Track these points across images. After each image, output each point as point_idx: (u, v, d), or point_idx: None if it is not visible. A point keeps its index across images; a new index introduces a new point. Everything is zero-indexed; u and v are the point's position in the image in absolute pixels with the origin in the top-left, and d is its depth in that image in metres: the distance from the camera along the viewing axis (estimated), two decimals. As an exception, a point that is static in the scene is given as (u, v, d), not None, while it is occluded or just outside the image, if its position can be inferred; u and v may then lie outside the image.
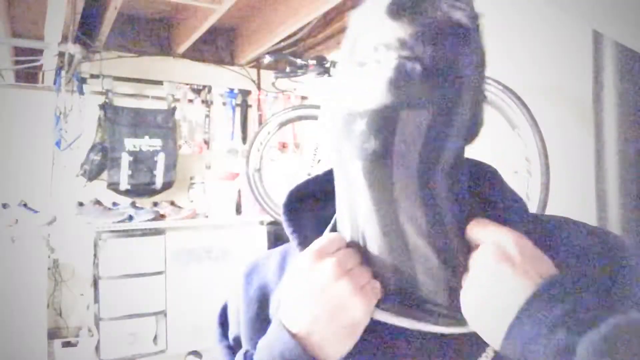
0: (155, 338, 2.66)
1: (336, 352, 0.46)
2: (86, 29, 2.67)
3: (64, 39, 2.38)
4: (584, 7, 0.97)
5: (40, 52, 2.57)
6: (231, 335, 0.59)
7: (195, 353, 2.87)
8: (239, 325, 0.58)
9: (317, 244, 0.48)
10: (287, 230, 0.54)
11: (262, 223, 3.04)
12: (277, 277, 0.57)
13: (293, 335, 0.46)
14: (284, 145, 3.27)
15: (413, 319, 0.47)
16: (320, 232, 0.52)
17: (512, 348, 0.40)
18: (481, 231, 0.46)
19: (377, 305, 0.47)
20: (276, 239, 3.10)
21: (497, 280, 0.42)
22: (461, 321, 0.45)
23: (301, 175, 2.41)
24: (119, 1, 2.21)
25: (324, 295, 0.46)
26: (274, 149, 3.17)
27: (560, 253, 0.49)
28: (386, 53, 0.43)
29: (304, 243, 0.51)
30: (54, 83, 2.71)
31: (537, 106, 1.56)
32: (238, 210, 2.99)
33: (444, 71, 0.43)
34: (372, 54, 0.44)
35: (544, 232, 0.51)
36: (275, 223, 2.94)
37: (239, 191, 2.98)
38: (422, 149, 0.42)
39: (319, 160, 2.27)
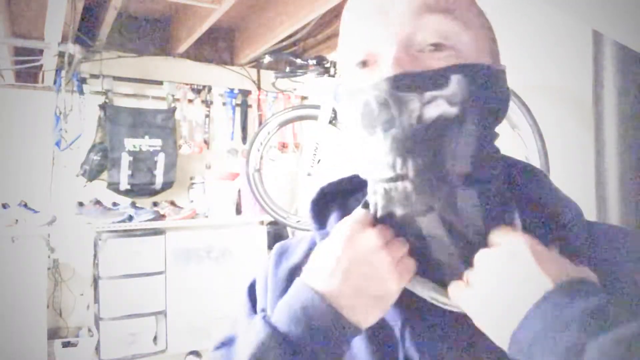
0: (155, 338, 2.66)
1: (364, 319, 0.45)
2: (86, 29, 2.67)
3: (64, 39, 2.38)
4: (584, 7, 0.97)
5: (40, 52, 2.56)
6: (259, 307, 0.60)
7: (195, 353, 2.87)
8: (266, 300, 0.58)
9: (357, 216, 0.49)
10: (313, 225, 0.56)
11: (262, 223, 3.04)
12: (306, 260, 0.57)
13: (316, 292, 0.46)
14: (284, 145, 3.27)
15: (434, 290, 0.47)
16: None
17: (519, 347, 0.39)
18: (500, 235, 0.45)
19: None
20: (276, 239, 3.10)
21: (507, 278, 0.41)
22: None
23: (301, 175, 2.41)
24: (119, 1, 2.21)
25: (363, 262, 0.46)
26: (274, 149, 3.17)
27: (620, 264, 0.47)
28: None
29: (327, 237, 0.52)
30: (54, 83, 2.71)
31: (537, 106, 1.56)
32: (238, 210, 2.99)
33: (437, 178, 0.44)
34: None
35: (601, 240, 0.49)
36: (275, 223, 2.94)
37: (239, 191, 2.98)
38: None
39: (319, 160, 2.27)
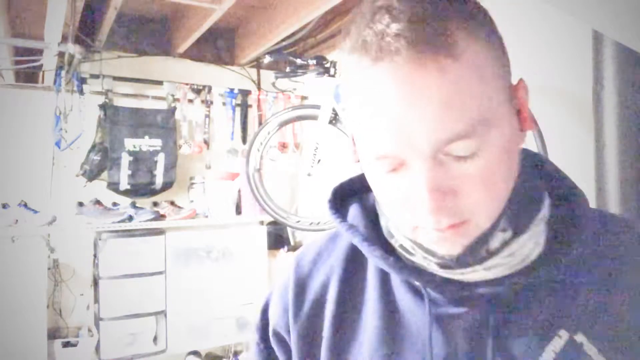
0: (155, 338, 2.66)
1: None
2: (86, 29, 2.67)
3: (64, 39, 2.38)
4: (584, 7, 0.97)
5: (40, 52, 2.56)
6: (272, 327, 0.62)
7: (195, 353, 2.87)
8: (283, 324, 0.60)
9: None
10: (335, 219, 0.57)
11: (262, 223, 3.04)
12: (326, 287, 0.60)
13: None
14: (284, 145, 3.27)
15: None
16: (366, 220, 0.56)
17: None
18: None
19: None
20: (276, 239, 3.10)
21: None
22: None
23: (301, 175, 2.40)
24: (119, 1, 2.21)
25: None
26: (274, 149, 3.17)
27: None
28: None
29: (352, 229, 0.55)
30: (54, 83, 2.71)
31: (537, 106, 1.56)
32: (238, 210, 2.99)
33: None
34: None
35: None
36: (275, 223, 2.94)
37: (239, 191, 2.98)
38: None
39: (319, 160, 2.27)
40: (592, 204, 1.37)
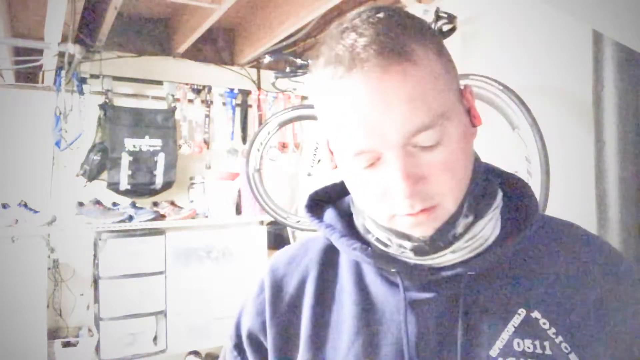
0: (155, 338, 2.67)
1: None
2: (86, 29, 2.67)
3: (64, 39, 2.38)
4: (584, 7, 0.97)
5: (40, 52, 2.56)
6: (246, 328, 0.66)
7: (195, 353, 2.87)
8: (258, 324, 0.64)
9: None
10: (313, 220, 0.64)
11: (262, 223, 3.04)
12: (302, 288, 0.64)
13: None
14: (284, 145, 3.27)
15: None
16: (342, 221, 0.62)
17: None
18: None
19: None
20: (276, 239, 3.10)
21: None
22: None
23: (301, 175, 2.41)
24: (119, 1, 2.21)
25: None
26: (274, 149, 3.17)
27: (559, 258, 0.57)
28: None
29: (330, 227, 0.62)
30: (54, 83, 2.71)
31: (537, 106, 1.56)
32: (238, 210, 2.99)
33: None
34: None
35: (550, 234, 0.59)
36: (275, 223, 2.94)
37: (239, 191, 2.98)
38: None
39: (319, 160, 2.27)
40: (592, 203, 1.38)
